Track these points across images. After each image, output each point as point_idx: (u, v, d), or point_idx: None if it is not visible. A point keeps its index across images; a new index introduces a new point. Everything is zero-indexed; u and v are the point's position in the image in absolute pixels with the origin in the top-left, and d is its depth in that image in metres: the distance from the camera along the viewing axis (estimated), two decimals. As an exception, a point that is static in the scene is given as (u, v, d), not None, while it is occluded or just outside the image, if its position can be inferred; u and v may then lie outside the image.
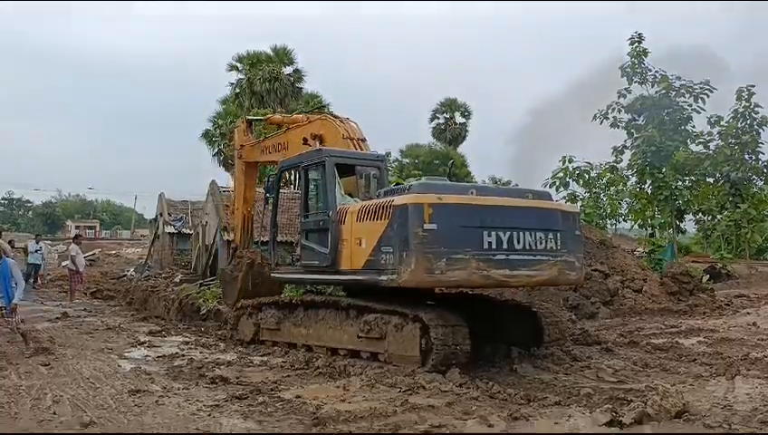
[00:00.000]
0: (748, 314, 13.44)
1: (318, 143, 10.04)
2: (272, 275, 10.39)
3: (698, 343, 9.87)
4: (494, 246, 7.60)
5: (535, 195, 8.61)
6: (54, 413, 5.84)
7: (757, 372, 7.56)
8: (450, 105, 58.75)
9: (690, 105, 26.79)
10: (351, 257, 8.37)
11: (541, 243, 7.96)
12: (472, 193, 7.98)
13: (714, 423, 5.27)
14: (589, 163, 27.24)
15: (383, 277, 7.74)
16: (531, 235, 7.88)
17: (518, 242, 7.76)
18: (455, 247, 7.40)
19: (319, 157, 9.43)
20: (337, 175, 9.17)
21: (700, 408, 5.86)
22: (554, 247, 8.07)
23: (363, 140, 10.11)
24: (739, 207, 25.89)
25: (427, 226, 7.33)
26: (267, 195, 10.88)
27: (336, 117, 10.41)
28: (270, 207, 10.94)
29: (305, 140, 10.21)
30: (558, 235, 8.12)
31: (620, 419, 5.36)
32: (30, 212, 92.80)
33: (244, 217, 12.56)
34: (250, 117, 13.26)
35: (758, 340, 10.09)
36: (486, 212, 7.71)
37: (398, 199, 7.72)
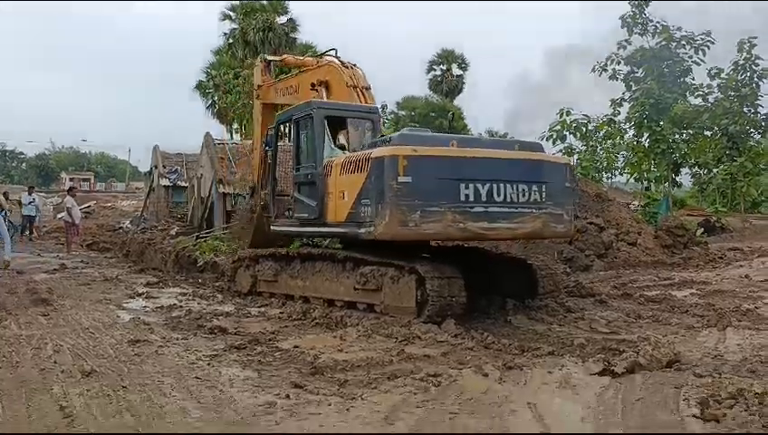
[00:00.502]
0: (741, 266, 13.59)
1: (324, 90, 9.93)
2: (271, 227, 10.43)
3: (691, 295, 10.00)
4: (471, 199, 7.54)
5: (524, 146, 8.46)
6: (55, 362, 5.91)
7: (748, 323, 7.69)
8: (447, 57, 58.00)
9: (690, 57, 26.47)
10: (336, 210, 8.42)
11: (524, 195, 7.84)
12: (453, 144, 7.88)
13: (704, 372, 5.38)
14: (586, 116, 27.09)
15: (362, 230, 7.79)
16: (512, 187, 7.76)
17: (498, 194, 7.67)
18: (430, 200, 7.37)
19: (308, 109, 9.35)
20: (326, 128, 9.11)
21: (691, 357, 5.98)
22: (539, 200, 7.95)
23: (368, 89, 9.95)
24: (736, 161, 25.88)
25: (401, 178, 7.30)
26: (266, 148, 10.80)
27: (343, 63, 10.24)
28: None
29: (313, 86, 10.11)
30: (543, 187, 7.99)
31: (613, 368, 5.47)
32: (23, 164, 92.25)
33: (261, 158, 12.50)
34: (269, 57, 12.94)
35: (750, 292, 10.23)
36: (464, 164, 7.62)
37: (375, 152, 7.69)
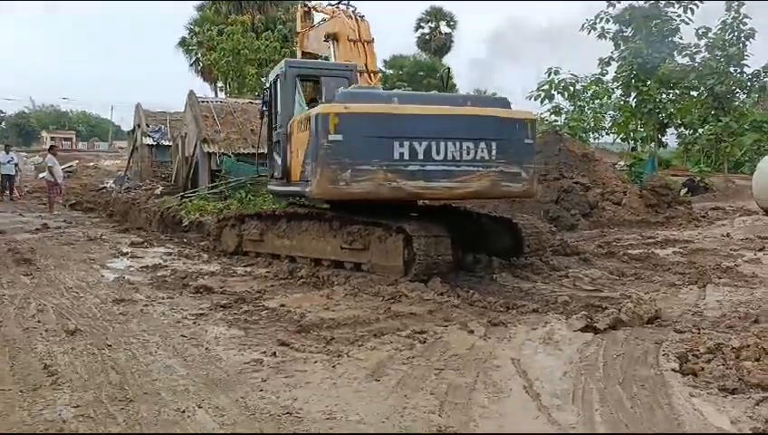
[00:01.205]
0: (723, 225, 13.74)
1: (332, 42, 9.80)
2: (268, 187, 10.42)
3: (673, 254, 10.12)
4: (405, 157, 7.38)
5: (482, 102, 8.16)
6: (39, 321, 5.89)
7: (728, 280, 7.81)
8: (435, 14, 57.26)
9: (679, 16, 26.31)
10: (294, 169, 8.51)
11: (468, 153, 7.56)
12: (394, 101, 7.72)
13: (683, 328, 5.47)
14: (574, 75, 26.94)
15: (307, 189, 7.82)
16: (454, 144, 7.50)
17: (438, 152, 7.46)
18: (361, 158, 7.28)
19: (281, 69, 9.38)
20: (298, 87, 9.10)
21: (672, 314, 6.07)
22: (487, 157, 7.65)
23: (369, 42, 9.70)
24: (721, 121, 25.97)
25: (332, 136, 7.26)
26: (263, 109, 10.68)
27: (350, 15, 9.92)
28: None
29: (326, 38, 9.95)
30: (493, 144, 7.67)
31: (595, 324, 5.55)
32: (2, 123, 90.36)
33: None
34: (309, 2, 12.53)
35: (730, 250, 10.36)
36: (399, 121, 7.44)
37: (314, 110, 7.68)
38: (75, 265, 9.14)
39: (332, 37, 9.84)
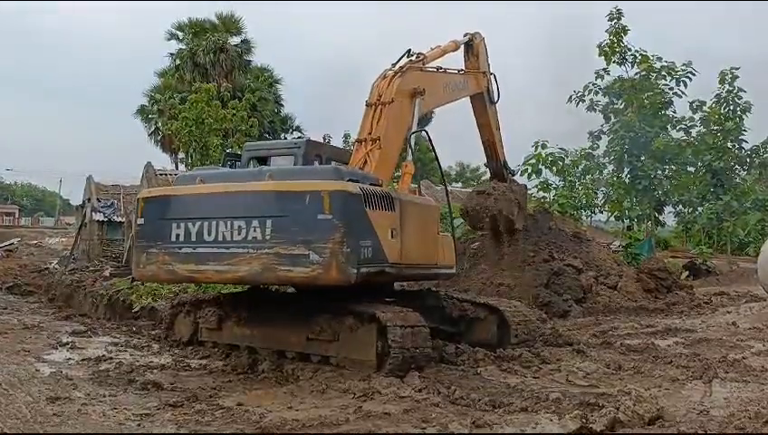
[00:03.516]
0: (728, 313, 13.84)
1: None
2: None
3: (675, 344, 10.13)
4: (181, 239, 7.88)
5: (290, 174, 8.04)
6: (-41, 425, 5.65)
7: (735, 374, 7.80)
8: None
9: (671, 88, 27.36)
10: None
11: (239, 232, 7.48)
12: (199, 181, 8.30)
13: (688, 430, 5.41)
14: (563, 149, 27.58)
15: None
16: (226, 224, 7.57)
17: (208, 233, 7.69)
18: (151, 241, 8.16)
19: (242, 152, 10.16)
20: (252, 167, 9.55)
21: (675, 413, 6.01)
22: (259, 237, 7.38)
23: (387, 103, 9.32)
24: (721, 199, 26.60)
25: (139, 220, 8.45)
26: None
27: (401, 68, 9.72)
28: None
29: None
30: (267, 221, 7.36)
31: (591, 425, 5.46)
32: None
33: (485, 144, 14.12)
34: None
35: (737, 340, 10.40)
36: (178, 203, 8.16)
37: None
38: (7, 358, 8.88)
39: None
